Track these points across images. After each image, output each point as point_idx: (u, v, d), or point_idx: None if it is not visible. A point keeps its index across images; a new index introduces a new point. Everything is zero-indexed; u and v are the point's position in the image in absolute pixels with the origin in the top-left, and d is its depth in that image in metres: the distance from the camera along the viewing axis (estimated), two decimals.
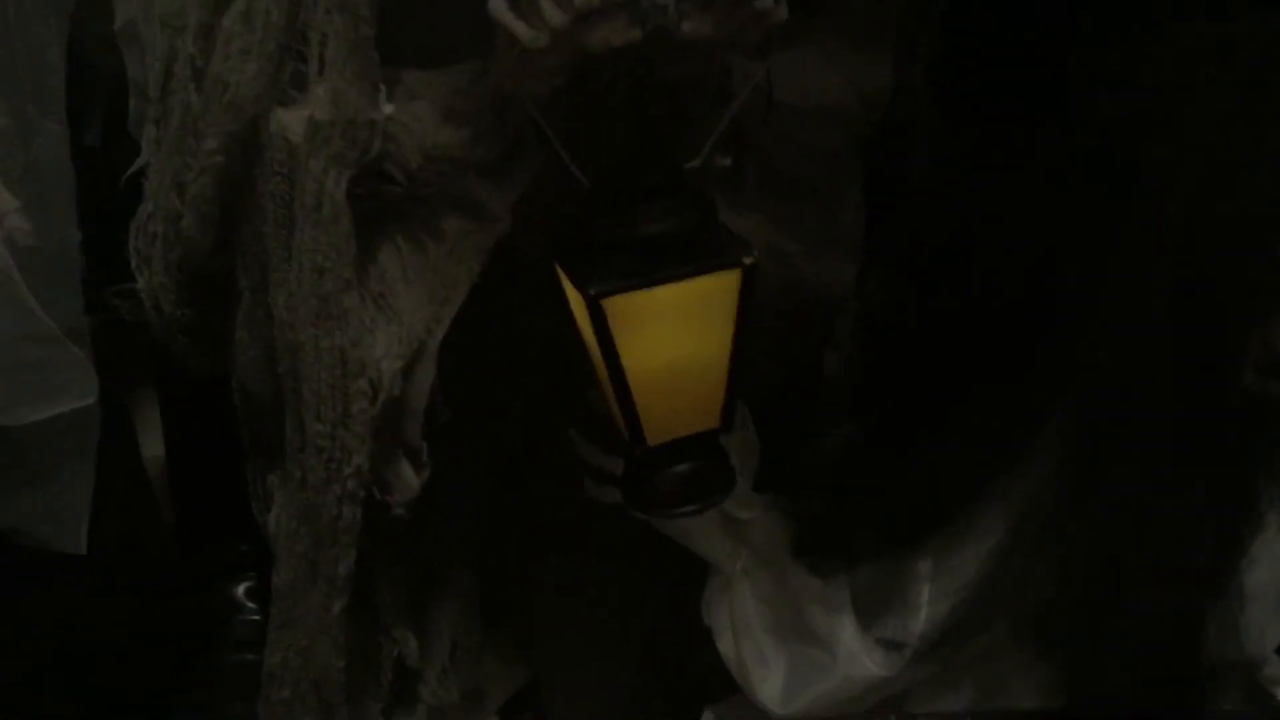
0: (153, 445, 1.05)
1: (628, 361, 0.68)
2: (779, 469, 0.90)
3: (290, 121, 0.66)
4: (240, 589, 1.04)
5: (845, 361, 0.87)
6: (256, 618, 1.01)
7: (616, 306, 0.66)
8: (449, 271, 0.72)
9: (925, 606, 0.83)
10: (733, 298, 0.69)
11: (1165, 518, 0.69)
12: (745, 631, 0.89)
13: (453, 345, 0.75)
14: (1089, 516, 0.72)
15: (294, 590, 0.81)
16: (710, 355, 0.71)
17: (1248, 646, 0.78)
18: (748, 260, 0.67)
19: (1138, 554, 0.70)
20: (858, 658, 0.85)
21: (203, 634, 1.02)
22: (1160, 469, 0.70)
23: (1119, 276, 0.70)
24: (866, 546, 0.86)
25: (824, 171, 0.80)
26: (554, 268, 0.69)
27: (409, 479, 0.80)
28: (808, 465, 0.88)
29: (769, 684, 0.88)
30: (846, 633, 0.86)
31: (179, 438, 1.04)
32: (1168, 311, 0.68)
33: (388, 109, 0.68)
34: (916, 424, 0.84)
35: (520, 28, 0.60)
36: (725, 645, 0.91)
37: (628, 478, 0.76)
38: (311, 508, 0.77)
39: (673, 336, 0.69)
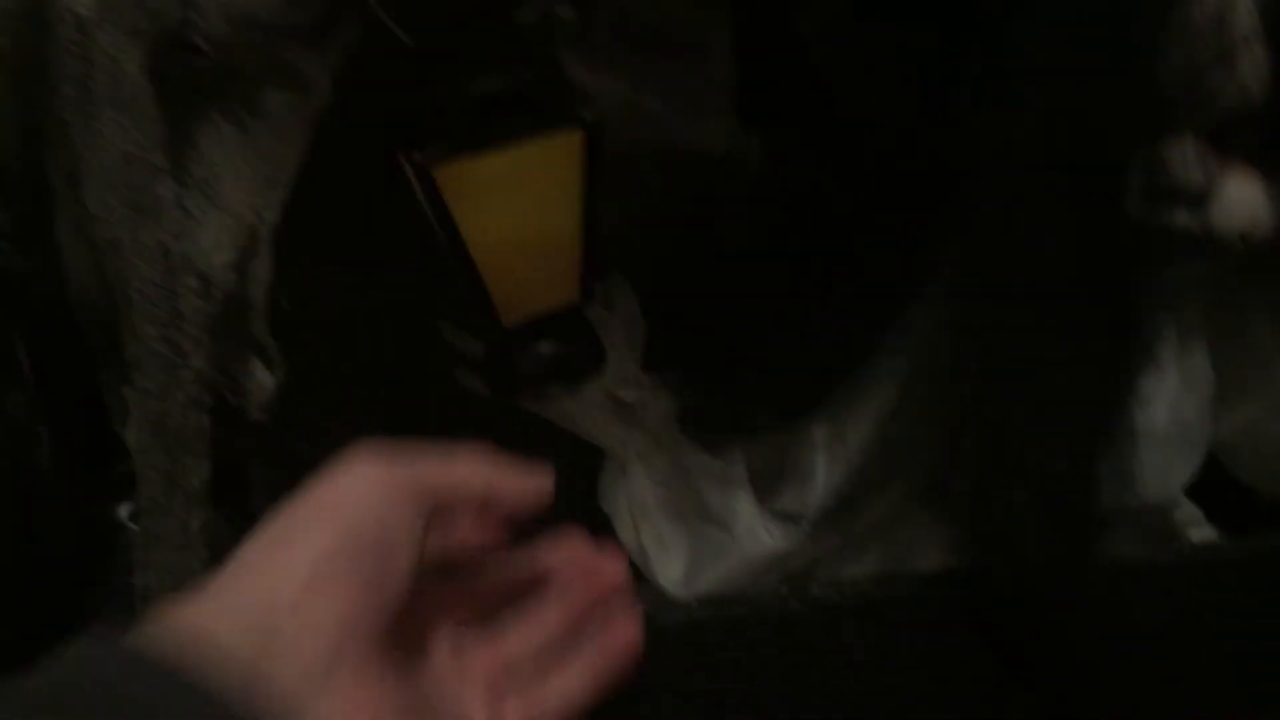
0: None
1: (469, 234, 0.64)
2: (667, 345, 0.85)
3: None
4: (124, 511, 0.99)
5: (729, 226, 0.82)
6: None
7: (449, 175, 0.61)
8: (275, 151, 0.66)
9: (821, 475, 0.80)
10: (577, 159, 0.64)
11: (1052, 360, 0.65)
12: (643, 516, 0.86)
13: (295, 233, 0.69)
14: (976, 366, 0.69)
15: (155, 506, 0.77)
16: (561, 223, 0.66)
17: (1148, 490, 0.75)
18: (590, 117, 0.63)
19: (1025, 400, 0.67)
20: (756, 533, 0.82)
21: (87, 560, 0.98)
22: (1045, 309, 0.66)
23: (994, 109, 0.65)
24: (759, 418, 0.82)
25: (686, 21, 0.74)
26: (384, 140, 0.64)
27: (263, 380, 0.75)
28: (696, 338, 0.84)
29: (670, 568, 0.85)
30: (744, 509, 0.82)
31: (43, 357, 0.98)
32: (1044, 141, 0.63)
33: None
34: (805, 286, 0.80)
35: None
36: (625, 532, 0.87)
37: (488, 362, 0.72)
38: (158, 418, 0.72)
39: (516, 205, 0.64)
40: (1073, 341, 0.67)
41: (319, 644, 0.41)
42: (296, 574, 0.42)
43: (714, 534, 0.83)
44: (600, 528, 0.89)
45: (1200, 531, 0.82)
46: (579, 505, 0.90)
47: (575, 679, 0.53)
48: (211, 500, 0.77)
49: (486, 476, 0.51)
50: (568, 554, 0.57)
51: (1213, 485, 0.82)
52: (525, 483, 0.53)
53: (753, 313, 0.81)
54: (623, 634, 0.54)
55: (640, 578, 0.87)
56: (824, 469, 0.80)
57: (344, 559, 0.43)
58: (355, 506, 0.44)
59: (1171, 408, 0.75)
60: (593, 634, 0.54)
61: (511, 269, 0.66)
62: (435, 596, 0.52)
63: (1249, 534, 0.77)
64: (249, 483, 0.86)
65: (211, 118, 0.66)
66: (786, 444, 0.81)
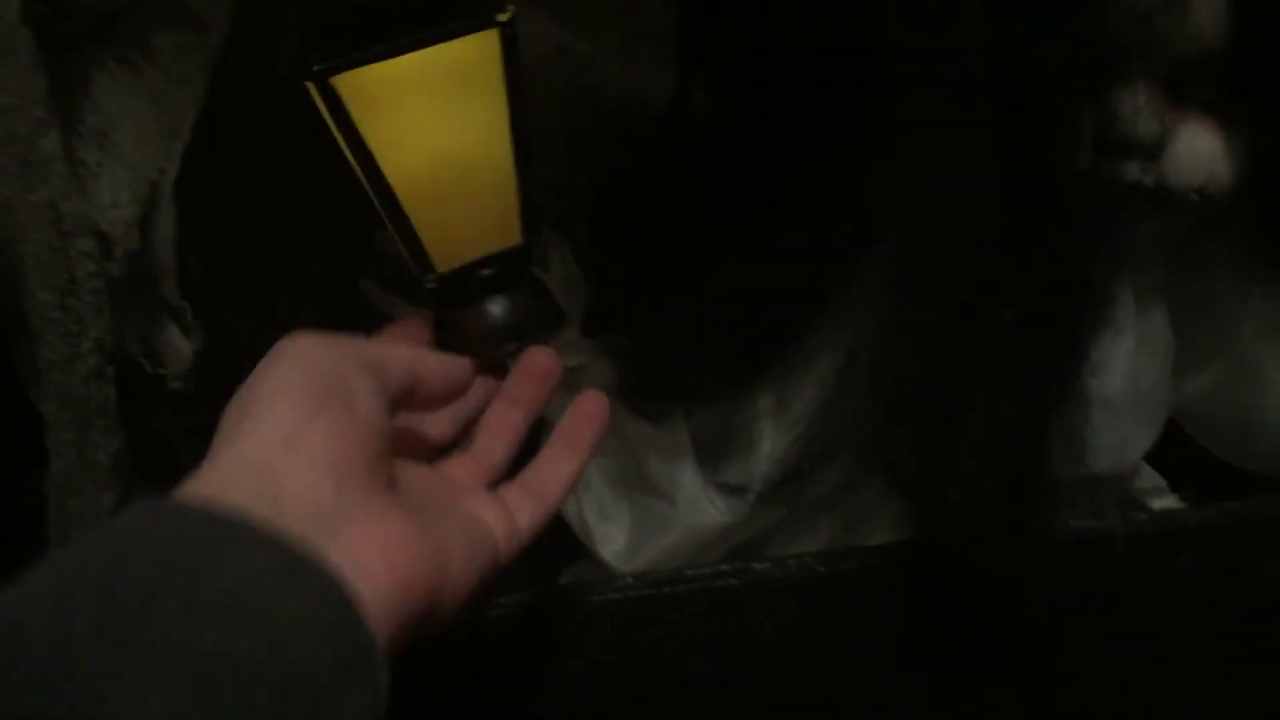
0: None
1: (385, 161, 0.59)
2: (608, 309, 0.82)
3: None
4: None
5: (668, 183, 0.79)
6: None
7: (351, 86, 0.56)
8: (171, 97, 0.62)
9: (766, 445, 0.77)
10: (496, 66, 0.59)
11: (998, 323, 0.62)
12: (584, 487, 0.82)
13: (201, 185, 0.65)
14: (920, 330, 0.65)
15: (67, 483, 0.73)
16: (488, 146, 0.61)
17: (1105, 459, 0.72)
18: (502, 17, 0.57)
19: (972, 365, 0.63)
20: (700, 505, 0.78)
21: (8, 533, 0.94)
22: (991, 270, 0.62)
23: (931, 56, 0.61)
24: (702, 386, 0.79)
25: None
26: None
27: (180, 347, 0.71)
28: (637, 302, 0.81)
29: (613, 540, 0.82)
30: (687, 480, 0.79)
31: None
32: (986, 88, 0.60)
33: None
34: (747, 248, 0.76)
35: None
36: (567, 504, 0.84)
37: (434, 318, 0.67)
38: (63, 389, 0.68)
39: (433, 119, 0.58)
40: (1021, 303, 0.63)
41: (322, 484, 0.42)
42: (277, 432, 0.43)
43: (657, 505, 0.80)
44: None
45: (1163, 500, 0.79)
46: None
47: (561, 455, 0.59)
48: (127, 474, 0.74)
49: (411, 355, 0.52)
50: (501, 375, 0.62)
51: (1175, 451, 0.79)
52: (447, 364, 0.54)
53: (694, 276, 0.77)
54: (587, 403, 0.61)
55: (582, 550, 0.84)
56: (769, 439, 0.77)
57: (316, 410, 0.44)
58: (308, 367, 0.46)
59: (1129, 372, 0.71)
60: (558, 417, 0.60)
61: (440, 201, 0.61)
62: (404, 448, 0.55)
63: (1212, 501, 0.74)
64: (174, 453, 0.82)
65: (102, 64, 0.62)
66: (730, 413, 0.78)
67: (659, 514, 0.80)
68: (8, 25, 0.57)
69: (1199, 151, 0.63)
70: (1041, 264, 0.63)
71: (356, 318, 0.81)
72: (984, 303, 0.63)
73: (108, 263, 0.65)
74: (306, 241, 0.78)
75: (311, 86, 0.56)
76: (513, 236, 0.65)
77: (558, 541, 0.90)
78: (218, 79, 0.62)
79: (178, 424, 0.80)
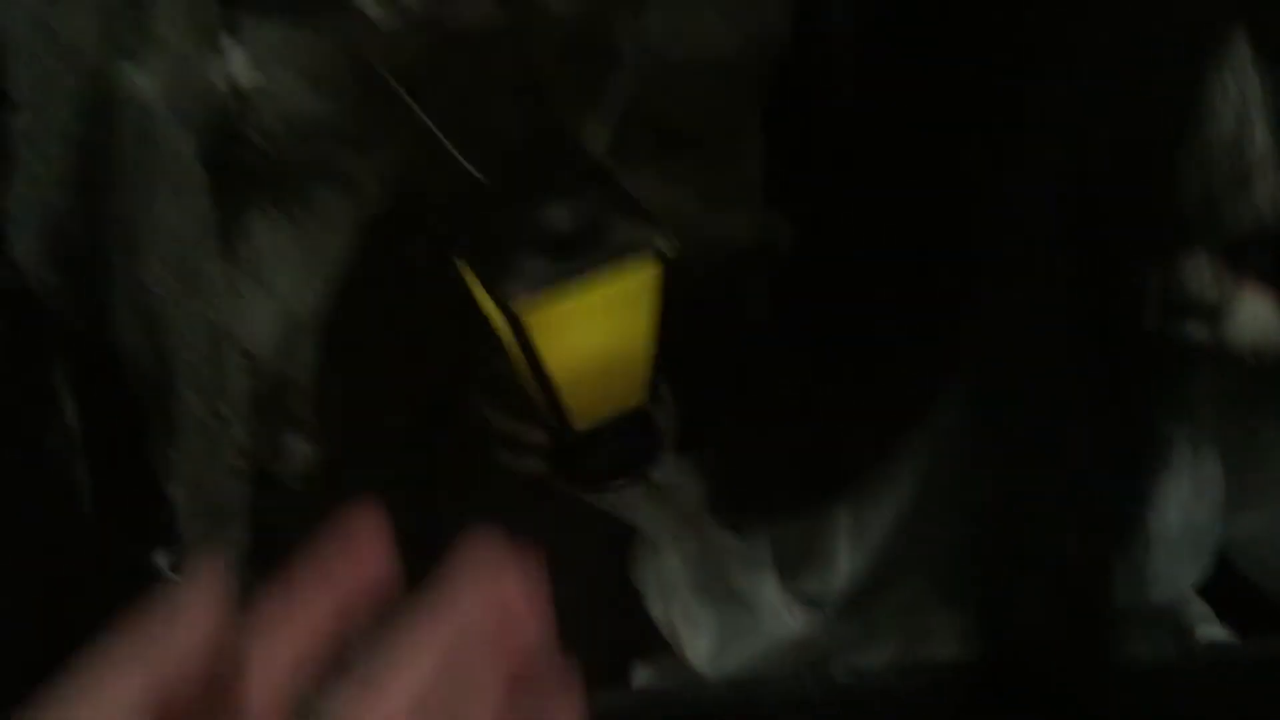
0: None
1: (550, 361, 0.67)
2: (697, 429, 0.88)
3: (141, 83, 0.64)
4: (164, 560, 1.02)
5: (756, 313, 0.86)
6: None
7: (534, 312, 0.64)
8: (322, 243, 0.70)
9: (844, 562, 0.82)
10: (654, 288, 0.67)
11: (1068, 463, 0.68)
12: (673, 593, 0.88)
13: (342, 319, 0.73)
14: (995, 463, 0.71)
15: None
16: (633, 343, 0.70)
17: (1159, 589, 0.77)
18: (668, 251, 0.65)
19: (1043, 500, 0.69)
20: (780, 616, 0.84)
21: (123, 603, 1.00)
22: (1062, 414, 0.69)
23: (1015, 218, 0.68)
24: (785, 504, 0.85)
25: (718, 124, 0.78)
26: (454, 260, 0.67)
27: (299, 452, 0.78)
28: (725, 423, 0.87)
29: (698, 644, 0.87)
30: (768, 591, 0.85)
31: (91, 408, 1.02)
32: (1063, 255, 0.67)
33: (249, 76, 0.66)
34: (831, 376, 0.83)
35: (371, 6, 0.58)
36: (655, 608, 0.90)
37: (557, 458, 0.75)
38: (199, 481, 0.75)
39: (594, 332, 0.67)
40: (1089, 444, 0.69)
41: None
42: None
43: (740, 614, 0.86)
44: (632, 603, 0.92)
45: (1210, 629, 0.84)
46: (611, 581, 0.93)
47: None
48: (244, 563, 0.80)
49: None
50: None
51: (1223, 585, 0.84)
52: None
53: (780, 400, 0.84)
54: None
55: (670, 652, 0.90)
56: (846, 555, 0.82)
57: None
58: None
59: (1183, 510, 0.77)
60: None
61: (585, 384, 0.70)
62: None
63: (1258, 634, 0.79)
64: (283, 545, 0.88)
65: (263, 207, 0.70)
66: (811, 530, 0.84)
67: (741, 621, 0.86)
68: (188, 164, 0.65)
69: (1256, 315, 0.70)
70: (1109, 411, 0.69)
71: (460, 440, 0.87)
72: (1055, 443, 0.70)
73: (250, 376, 0.72)
74: (423, 369, 0.85)
75: (501, 310, 0.63)
76: (638, 398, 0.74)
77: (640, 641, 0.95)
78: (367, 232, 0.70)
79: (290, 518, 0.86)
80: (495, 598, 0.32)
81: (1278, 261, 0.70)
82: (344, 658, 0.32)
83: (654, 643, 0.92)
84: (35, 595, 0.95)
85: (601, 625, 1.01)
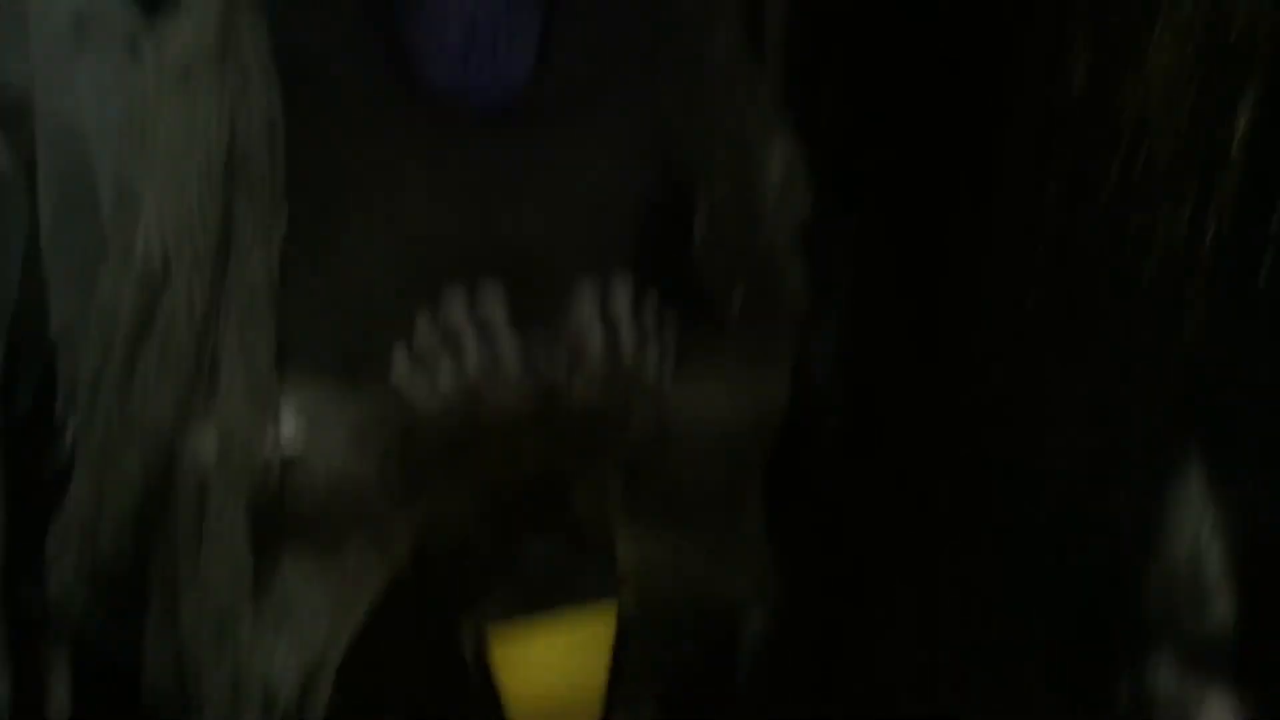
0: None
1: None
2: None
3: (201, 454, 0.70)
4: None
5: (755, 664, 0.89)
6: None
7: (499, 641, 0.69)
8: (348, 591, 0.74)
9: None
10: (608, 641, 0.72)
11: None
12: None
13: (357, 661, 0.77)
14: None
15: None
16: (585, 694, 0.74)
17: None
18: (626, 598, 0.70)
19: None
20: None
21: None
22: None
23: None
24: None
25: (724, 490, 0.83)
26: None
27: None
28: None
29: None
30: None
31: None
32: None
33: (300, 439, 0.72)
34: None
35: (412, 389, 0.64)
36: None
37: None
38: None
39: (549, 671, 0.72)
40: None
41: None
42: None
43: None
44: None
45: None
46: None
47: None
48: None
49: None
50: None
51: None
52: None
53: None
54: None
55: None
56: None
57: None
58: None
59: None
60: None
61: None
62: None
63: None
64: None
65: (297, 557, 0.75)
66: None
67: None
68: (233, 521, 0.70)
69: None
70: None
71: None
72: None
73: (269, 712, 0.75)
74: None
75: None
76: None
77: None
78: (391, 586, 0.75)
79: None
80: None
81: (1240, 666, 0.74)
82: None
83: None
84: None
85: None
